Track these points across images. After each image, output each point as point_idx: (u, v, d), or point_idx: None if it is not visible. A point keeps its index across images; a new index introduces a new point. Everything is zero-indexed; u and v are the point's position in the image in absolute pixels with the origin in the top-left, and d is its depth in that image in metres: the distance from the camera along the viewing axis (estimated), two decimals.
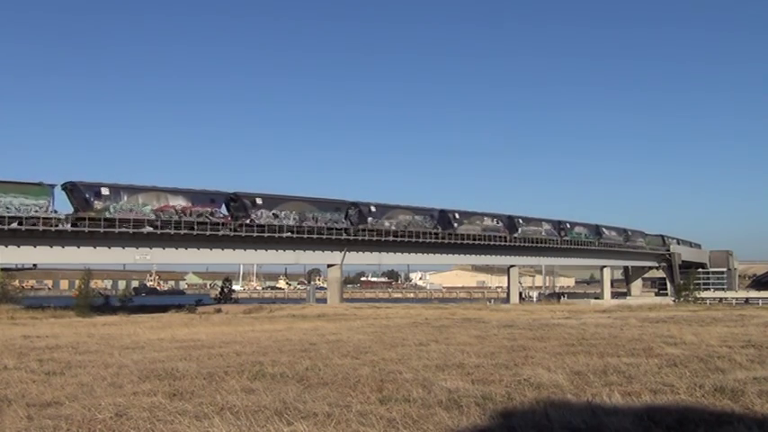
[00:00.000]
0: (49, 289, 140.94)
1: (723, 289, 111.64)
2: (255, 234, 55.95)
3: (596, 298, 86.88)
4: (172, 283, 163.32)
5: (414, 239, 66.19)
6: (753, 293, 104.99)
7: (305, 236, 58.43)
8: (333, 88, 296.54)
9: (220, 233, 54.05)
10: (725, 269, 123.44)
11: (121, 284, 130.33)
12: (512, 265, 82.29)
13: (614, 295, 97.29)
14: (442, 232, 69.58)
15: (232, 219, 55.45)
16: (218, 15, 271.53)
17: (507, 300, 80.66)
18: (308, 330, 22.21)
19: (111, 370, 11.97)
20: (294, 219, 58.37)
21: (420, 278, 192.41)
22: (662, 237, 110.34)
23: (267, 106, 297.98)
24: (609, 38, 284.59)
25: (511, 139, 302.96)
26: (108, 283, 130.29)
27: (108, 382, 10.48)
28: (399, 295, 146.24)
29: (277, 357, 13.47)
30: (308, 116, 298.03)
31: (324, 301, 65.40)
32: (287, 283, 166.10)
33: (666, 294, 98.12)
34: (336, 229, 60.57)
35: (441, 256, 74.11)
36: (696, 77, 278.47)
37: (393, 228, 65.02)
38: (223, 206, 56.23)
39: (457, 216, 72.27)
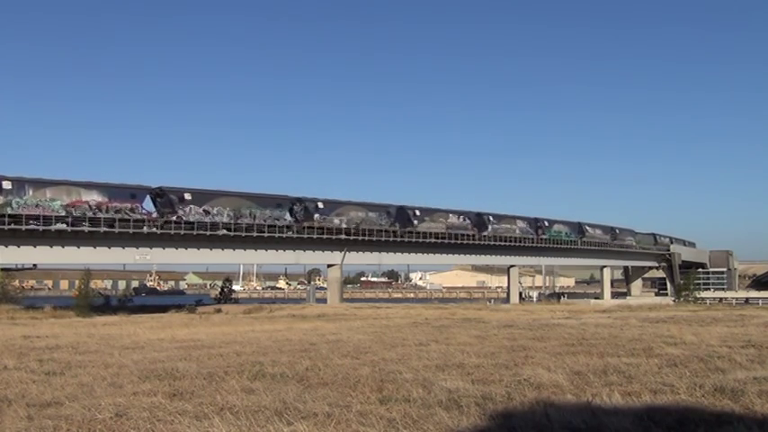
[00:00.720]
0: (49, 289, 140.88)
1: (723, 289, 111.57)
2: (255, 234, 55.75)
3: (596, 298, 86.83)
4: (172, 283, 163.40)
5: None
6: (753, 293, 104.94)
7: (305, 236, 58.24)
8: (318, 87, 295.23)
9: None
10: (725, 269, 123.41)
11: (121, 284, 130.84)
12: (512, 265, 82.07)
13: (614, 295, 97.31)
14: (401, 230, 65.46)
15: (159, 215, 51.95)
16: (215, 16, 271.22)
17: (507, 300, 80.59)
18: (307, 330, 22.22)
19: (111, 370, 11.98)
20: (228, 215, 54.79)
21: (420, 278, 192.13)
22: (654, 235, 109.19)
23: (265, 106, 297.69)
24: (609, 38, 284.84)
25: (510, 139, 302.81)
26: (108, 283, 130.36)
27: (108, 382, 10.48)
28: (399, 295, 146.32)
29: (277, 357, 13.48)
30: (282, 115, 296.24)
31: (324, 301, 65.35)
32: (287, 283, 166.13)
33: (666, 294, 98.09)
34: (278, 226, 57.58)
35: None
36: (696, 77, 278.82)
37: (344, 225, 61.32)
38: (149, 202, 52.76)
39: (417, 213, 67.80)
